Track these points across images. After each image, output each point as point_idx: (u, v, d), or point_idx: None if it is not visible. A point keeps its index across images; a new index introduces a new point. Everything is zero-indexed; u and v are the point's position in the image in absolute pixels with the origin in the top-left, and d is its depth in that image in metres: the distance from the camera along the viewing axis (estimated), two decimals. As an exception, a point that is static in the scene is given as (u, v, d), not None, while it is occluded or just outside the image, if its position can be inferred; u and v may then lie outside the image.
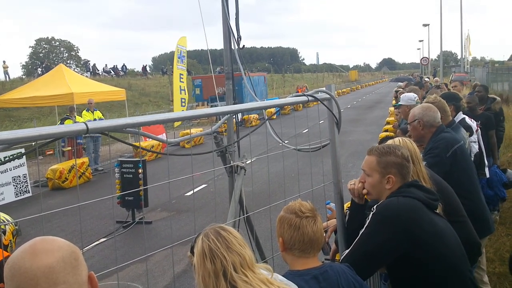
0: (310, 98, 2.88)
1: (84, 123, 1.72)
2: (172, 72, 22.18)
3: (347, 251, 2.54)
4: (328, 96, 2.98)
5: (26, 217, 2.15)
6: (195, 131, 16.73)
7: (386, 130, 14.60)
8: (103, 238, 8.33)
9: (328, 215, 3.17)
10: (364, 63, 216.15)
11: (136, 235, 8.64)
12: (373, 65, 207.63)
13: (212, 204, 9.90)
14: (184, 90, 20.99)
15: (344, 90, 58.08)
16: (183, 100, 20.93)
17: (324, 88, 3.04)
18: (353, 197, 2.76)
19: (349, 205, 2.88)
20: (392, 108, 19.29)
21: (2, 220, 4.29)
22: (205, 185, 11.76)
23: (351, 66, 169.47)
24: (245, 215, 3.80)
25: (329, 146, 3.07)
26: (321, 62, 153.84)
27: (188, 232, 8.07)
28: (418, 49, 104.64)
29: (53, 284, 1.15)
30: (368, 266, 2.45)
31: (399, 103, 5.88)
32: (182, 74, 21.59)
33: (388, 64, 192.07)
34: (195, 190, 11.28)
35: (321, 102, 2.94)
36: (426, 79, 22.41)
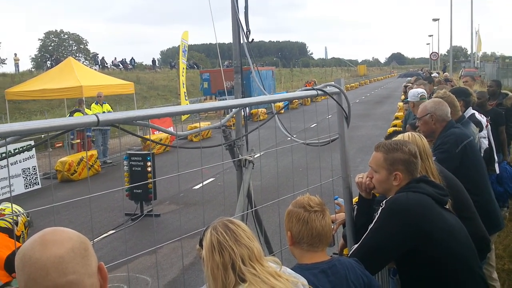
0: (319, 92, 2.87)
1: (95, 115, 1.72)
2: (179, 66, 22.32)
3: (355, 245, 2.54)
4: (337, 90, 2.97)
5: (37, 208, 2.17)
6: (203, 124, 16.74)
7: (395, 125, 14.54)
8: (112, 230, 8.39)
9: (336, 210, 3.17)
10: (373, 57, 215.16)
11: (145, 228, 8.69)
12: (382, 60, 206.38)
13: (220, 198, 9.92)
14: (184, 84, 21.10)
15: (353, 84, 57.81)
16: (185, 94, 21.04)
17: (333, 82, 3.03)
18: (360, 191, 2.75)
19: (357, 200, 2.88)
20: (401, 103, 19.20)
21: (14, 211, 4.33)
22: (213, 179, 11.79)
23: (359, 61, 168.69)
24: (253, 209, 3.81)
25: (338, 141, 3.07)
26: (329, 57, 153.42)
27: (196, 225, 8.10)
28: (428, 44, 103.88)
29: (63, 274, 1.16)
30: (376, 261, 2.45)
31: (407, 99, 5.88)
32: (184, 68, 21.73)
33: (397, 58, 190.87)
34: (203, 183, 11.31)
35: (330, 96, 2.93)
36: (435, 74, 22.23)
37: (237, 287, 1.76)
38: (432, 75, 20.83)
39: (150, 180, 8.47)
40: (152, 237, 7.95)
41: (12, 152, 10.78)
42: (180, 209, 9.61)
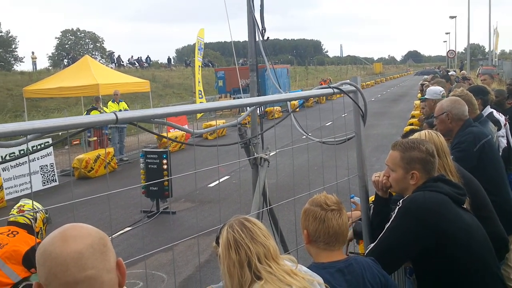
0: (335, 90, 2.86)
1: (114, 113, 1.74)
2: (195, 64, 22.40)
3: (372, 244, 2.53)
4: (354, 88, 2.96)
5: (56, 205, 2.20)
6: (217, 123, 16.80)
7: (411, 124, 14.41)
8: (129, 227, 8.47)
9: (352, 209, 3.16)
10: (389, 55, 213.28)
11: (160, 225, 8.76)
12: (398, 58, 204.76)
13: (234, 196, 9.95)
14: (200, 82, 21.15)
15: (368, 82, 57.44)
16: (200, 92, 21.11)
17: (349, 80, 3.02)
18: (376, 190, 2.74)
19: (373, 199, 2.86)
20: (417, 102, 19.02)
21: (33, 207, 4.39)
22: (228, 177, 11.82)
23: (375, 59, 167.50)
24: (269, 207, 3.81)
25: (354, 139, 3.06)
26: (344, 55, 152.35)
27: (211, 223, 8.13)
28: (445, 41, 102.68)
29: (82, 269, 1.18)
30: (393, 260, 2.44)
31: (425, 96, 5.81)
32: (200, 66, 21.79)
33: (413, 56, 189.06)
34: (218, 181, 11.35)
35: (346, 94, 2.92)
36: (453, 72, 21.97)
37: (253, 284, 1.77)
38: (449, 73, 20.59)
39: (166, 178, 8.53)
40: (168, 234, 8.00)
41: (31, 149, 10.95)
42: (196, 207, 9.66)
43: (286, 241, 4.15)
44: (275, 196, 3.96)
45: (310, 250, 2.23)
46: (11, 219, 4.29)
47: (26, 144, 1.61)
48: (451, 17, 60.30)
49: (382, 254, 2.38)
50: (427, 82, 12.19)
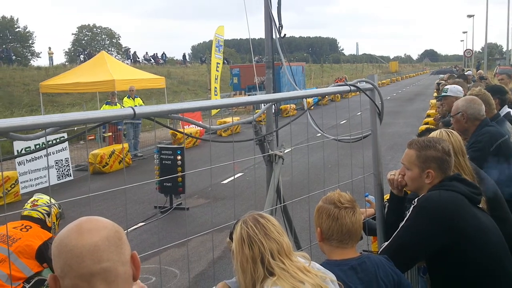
0: (352, 88, 2.85)
1: (131, 107, 1.76)
2: (211, 61, 22.40)
3: (385, 243, 2.52)
4: (370, 86, 2.94)
5: (71, 199, 2.23)
6: (232, 120, 16.80)
7: (427, 123, 14.29)
8: (142, 222, 8.53)
9: (366, 207, 3.15)
10: (405, 54, 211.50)
11: (173, 221, 8.81)
12: (414, 57, 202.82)
13: (248, 193, 9.96)
14: (217, 79, 21.14)
15: (384, 81, 57.04)
16: (215, 89, 21.11)
17: (366, 78, 3.01)
18: (391, 188, 2.72)
19: (388, 197, 2.85)
20: (433, 101, 18.85)
21: (48, 202, 4.44)
22: (242, 174, 11.84)
23: (391, 57, 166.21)
24: (282, 204, 3.82)
25: (369, 137, 3.04)
26: (360, 53, 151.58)
27: (224, 219, 8.15)
28: (462, 40, 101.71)
29: (97, 261, 1.20)
30: (407, 259, 2.43)
31: (446, 93, 5.73)
32: (219, 63, 21.76)
33: (430, 55, 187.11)
34: (231, 178, 11.38)
35: (363, 92, 2.91)
36: (469, 72, 21.71)
37: (266, 280, 1.77)
38: (465, 72, 20.35)
39: (181, 174, 8.57)
40: (181, 230, 8.05)
41: (47, 143, 11.09)
42: (209, 203, 9.70)
43: (299, 239, 4.15)
44: (289, 194, 3.96)
45: (323, 248, 2.23)
46: (25, 213, 4.34)
47: (44, 138, 1.63)
48: (469, 16, 59.56)
49: (395, 252, 2.37)
50: (444, 81, 12.06)
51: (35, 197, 4.61)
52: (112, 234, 1.26)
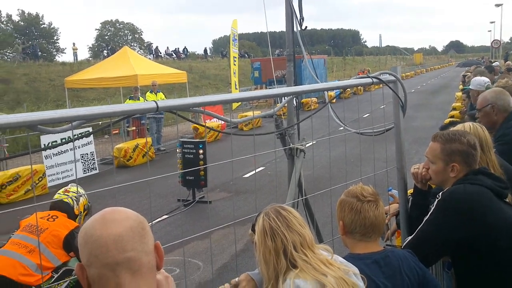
0: (374, 80, 2.82)
1: (154, 101, 1.79)
2: (230, 55, 22.54)
3: (409, 237, 2.50)
4: (393, 78, 2.91)
5: (97, 190, 2.28)
6: (253, 114, 16.83)
7: (452, 116, 14.05)
8: (166, 215, 8.63)
9: (390, 202, 3.12)
10: (430, 45, 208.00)
11: (196, 214, 8.89)
12: (439, 48, 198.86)
13: (269, 187, 9.97)
14: (235, 73, 21.19)
15: (408, 73, 56.22)
16: (235, 83, 21.16)
17: (389, 70, 2.97)
18: (415, 182, 2.69)
19: (412, 192, 2.82)
20: (459, 93, 18.52)
21: (77, 191, 4.54)
22: (263, 168, 11.86)
23: (415, 49, 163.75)
24: (304, 197, 3.81)
25: (392, 131, 3.01)
26: (383, 45, 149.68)
27: (246, 212, 8.18)
28: (489, 31, 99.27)
29: (122, 251, 1.22)
30: (431, 253, 2.40)
31: (469, 87, 5.65)
32: (235, 57, 21.83)
33: (455, 47, 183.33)
34: (252, 172, 11.41)
35: (386, 84, 2.87)
36: (496, 63, 21.21)
37: (288, 272, 1.78)
38: (493, 64, 19.90)
39: (203, 166, 8.63)
40: (203, 223, 8.11)
41: (72, 136, 11.28)
42: (231, 197, 9.76)
43: (321, 233, 4.14)
44: (310, 188, 3.96)
45: (346, 241, 2.22)
46: (55, 196, 4.47)
47: (71, 131, 1.66)
48: (497, 5, 58.23)
49: (420, 247, 2.34)
50: (470, 73, 11.83)
51: (68, 187, 4.75)
52: (136, 224, 1.29)
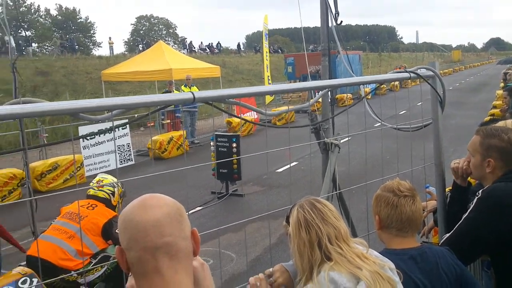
0: (412, 75, 2.77)
1: (191, 92, 1.81)
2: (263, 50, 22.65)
3: (447, 234, 2.45)
4: (431, 73, 2.85)
5: (134, 177, 2.33)
6: (288, 107, 16.81)
7: (492, 115, 13.65)
8: (199, 206, 8.75)
9: (427, 199, 3.06)
10: (469, 42, 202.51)
11: (230, 206, 8.97)
12: (479, 45, 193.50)
13: (302, 182, 9.95)
14: (268, 68, 21.23)
15: (446, 71, 54.91)
16: (269, 78, 21.18)
17: (427, 65, 2.91)
18: (455, 178, 2.63)
19: (450, 189, 2.76)
20: (499, 91, 17.95)
21: (111, 182, 4.65)
22: (296, 163, 11.83)
23: (453, 46, 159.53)
24: (338, 191, 3.78)
25: (430, 127, 2.95)
26: (420, 41, 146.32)
27: (279, 207, 8.17)
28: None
29: (160, 236, 1.25)
30: (469, 252, 2.35)
31: (510, 84, 5.47)
32: (267, 52, 21.88)
33: (496, 44, 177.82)
34: (286, 167, 11.40)
35: (423, 79, 2.82)
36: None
37: (323, 264, 1.77)
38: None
39: (236, 157, 8.68)
40: (237, 215, 8.17)
41: (113, 124, 11.52)
42: (264, 191, 9.80)
43: (356, 229, 4.09)
44: (345, 184, 3.92)
45: (382, 236, 2.19)
46: (91, 192, 4.59)
47: (111, 119, 1.70)
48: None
49: (458, 244, 2.29)
50: (511, 71, 11.47)
51: (99, 177, 4.85)
52: (174, 210, 1.32)
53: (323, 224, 1.82)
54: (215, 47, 56.56)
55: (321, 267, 1.76)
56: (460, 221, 2.37)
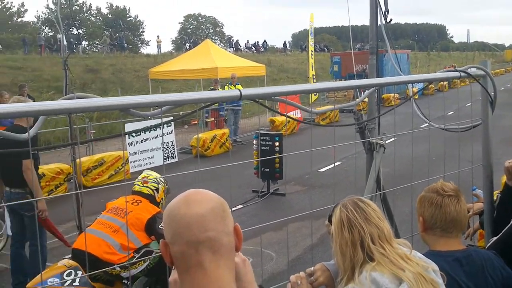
0: (462, 74, 2.71)
1: (238, 89, 1.85)
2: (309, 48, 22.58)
3: (494, 238, 2.38)
4: (482, 73, 2.77)
5: (178, 173, 2.38)
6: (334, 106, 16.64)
7: (546, 117, 13.06)
8: (241, 205, 8.82)
9: (473, 201, 2.98)
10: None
11: (271, 205, 8.99)
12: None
13: (345, 182, 9.85)
14: (313, 66, 21.12)
15: (497, 70, 52.79)
16: (313, 76, 21.07)
17: (478, 65, 2.84)
18: (507, 179, 2.54)
19: (499, 192, 2.68)
20: (555, 92, 17.14)
21: (156, 178, 4.76)
22: (339, 163, 11.72)
23: (506, 45, 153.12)
24: (382, 192, 3.73)
25: (479, 128, 2.87)
26: (471, 40, 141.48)
27: (321, 207, 8.13)
28: None
29: (203, 230, 1.27)
30: (517, 256, 2.27)
31: None
32: (312, 51, 21.77)
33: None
34: (328, 167, 11.32)
35: (474, 78, 2.75)
36: None
37: (365, 265, 1.76)
38: None
39: (279, 155, 8.67)
40: (278, 214, 8.18)
41: (161, 120, 11.78)
42: (306, 190, 9.76)
43: (399, 231, 4.03)
44: (389, 185, 3.86)
45: (426, 238, 2.16)
46: (136, 189, 4.70)
47: (160, 115, 1.76)
48: None
49: (505, 249, 2.23)
50: None
51: (145, 173, 4.97)
52: (217, 206, 1.34)
53: (366, 224, 1.81)
54: (261, 45, 56.70)
55: (363, 267, 1.75)
56: (508, 225, 2.30)
